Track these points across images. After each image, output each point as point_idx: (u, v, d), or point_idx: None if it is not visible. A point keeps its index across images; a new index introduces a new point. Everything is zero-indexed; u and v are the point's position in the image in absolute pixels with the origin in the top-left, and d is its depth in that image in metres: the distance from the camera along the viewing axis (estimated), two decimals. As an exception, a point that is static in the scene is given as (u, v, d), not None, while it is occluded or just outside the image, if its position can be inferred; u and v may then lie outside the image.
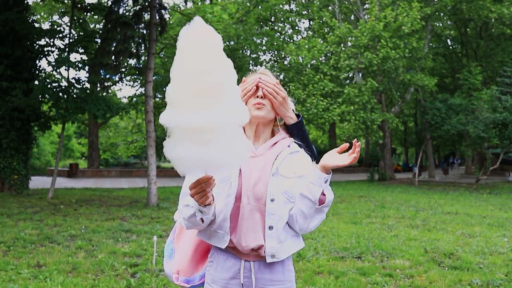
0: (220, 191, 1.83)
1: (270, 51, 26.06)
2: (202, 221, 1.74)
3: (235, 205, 1.81)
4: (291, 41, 26.62)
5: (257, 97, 1.92)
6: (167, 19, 20.33)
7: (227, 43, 21.83)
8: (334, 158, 1.74)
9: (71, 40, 14.82)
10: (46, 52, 14.67)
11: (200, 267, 1.98)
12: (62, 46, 14.61)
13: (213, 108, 1.45)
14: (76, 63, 13.31)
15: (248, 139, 1.82)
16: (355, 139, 1.79)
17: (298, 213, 1.79)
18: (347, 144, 1.80)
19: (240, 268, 1.84)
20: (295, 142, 1.97)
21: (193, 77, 1.45)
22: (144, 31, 14.00)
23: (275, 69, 23.45)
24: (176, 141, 1.47)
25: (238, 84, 2.05)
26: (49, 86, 13.12)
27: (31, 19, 15.05)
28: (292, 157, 1.90)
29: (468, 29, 29.30)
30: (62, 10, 22.57)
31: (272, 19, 29.33)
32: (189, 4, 25.76)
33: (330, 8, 25.45)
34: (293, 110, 2.03)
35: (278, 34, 27.58)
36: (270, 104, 1.93)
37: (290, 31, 29.49)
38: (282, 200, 1.81)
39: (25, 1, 14.37)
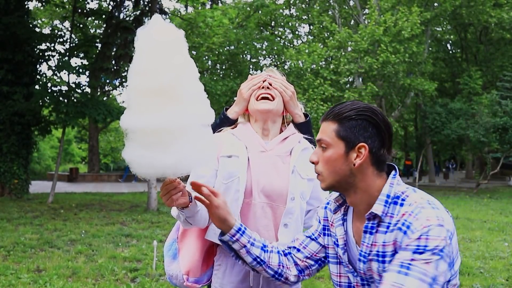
0: (228, 186, 1.81)
1: (270, 56, 26.11)
2: (189, 222, 1.71)
3: (245, 202, 1.78)
4: (291, 45, 26.66)
5: (263, 87, 1.91)
6: (168, 24, 20.34)
7: (228, 47, 21.88)
8: None
9: (71, 45, 14.86)
10: (47, 57, 14.70)
11: (208, 266, 1.94)
12: (62, 51, 14.65)
13: (166, 110, 1.40)
14: (77, 68, 13.34)
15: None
16: None
17: None
18: None
19: (249, 271, 1.80)
20: (304, 137, 1.96)
21: (144, 78, 1.40)
22: (145, 36, 14.04)
23: (275, 73, 23.45)
24: (129, 143, 1.44)
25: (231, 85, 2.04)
26: (49, 90, 13.14)
27: (32, 23, 15.08)
28: (305, 154, 1.88)
29: (468, 34, 29.33)
30: (63, 15, 22.63)
31: (272, 24, 29.40)
32: (190, 9, 25.83)
33: (330, 13, 25.49)
34: (301, 109, 2.04)
35: (278, 38, 27.63)
36: (280, 98, 1.92)
37: (290, 35, 29.56)
38: (299, 200, 1.81)
39: (26, 6, 14.41)
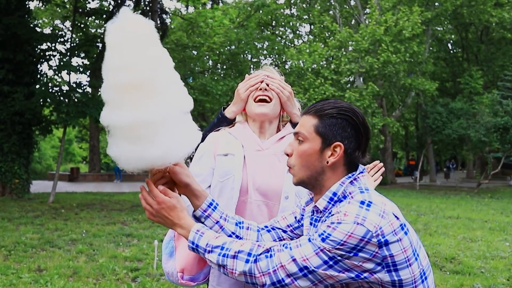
0: (224, 184, 1.81)
1: (271, 56, 26.12)
2: None
3: (241, 200, 1.79)
4: (292, 45, 26.67)
5: (260, 89, 1.92)
6: (168, 23, 20.37)
7: (228, 47, 21.88)
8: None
9: (72, 45, 14.85)
10: (48, 57, 14.70)
11: (204, 264, 1.93)
12: (63, 51, 14.65)
13: (148, 102, 1.39)
14: (78, 68, 13.32)
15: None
16: (378, 160, 1.88)
17: None
18: (378, 163, 1.94)
19: None
20: None
21: (121, 73, 1.39)
22: (145, 36, 14.03)
23: (276, 73, 23.48)
24: (113, 139, 1.44)
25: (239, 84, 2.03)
26: (50, 90, 13.14)
27: (32, 23, 15.07)
28: None
29: (468, 34, 29.33)
30: (64, 14, 22.66)
31: (273, 24, 29.41)
32: (190, 9, 25.84)
33: (331, 12, 25.52)
34: (299, 109, 2.04)
35: (279, 38, 27.64)
36: (277, 99, 1.93)
37: (291, 35, 29.58)
38: (294, 198, 1.81)
39: (27, 6, 14.42)
